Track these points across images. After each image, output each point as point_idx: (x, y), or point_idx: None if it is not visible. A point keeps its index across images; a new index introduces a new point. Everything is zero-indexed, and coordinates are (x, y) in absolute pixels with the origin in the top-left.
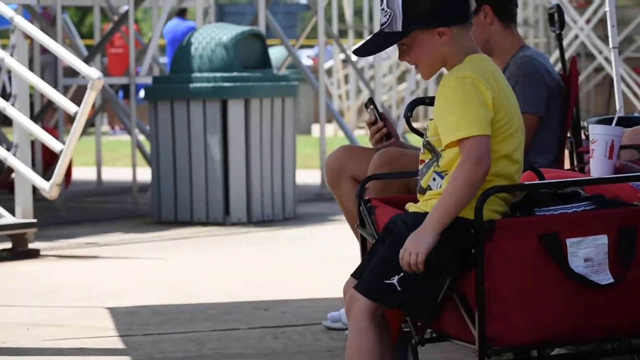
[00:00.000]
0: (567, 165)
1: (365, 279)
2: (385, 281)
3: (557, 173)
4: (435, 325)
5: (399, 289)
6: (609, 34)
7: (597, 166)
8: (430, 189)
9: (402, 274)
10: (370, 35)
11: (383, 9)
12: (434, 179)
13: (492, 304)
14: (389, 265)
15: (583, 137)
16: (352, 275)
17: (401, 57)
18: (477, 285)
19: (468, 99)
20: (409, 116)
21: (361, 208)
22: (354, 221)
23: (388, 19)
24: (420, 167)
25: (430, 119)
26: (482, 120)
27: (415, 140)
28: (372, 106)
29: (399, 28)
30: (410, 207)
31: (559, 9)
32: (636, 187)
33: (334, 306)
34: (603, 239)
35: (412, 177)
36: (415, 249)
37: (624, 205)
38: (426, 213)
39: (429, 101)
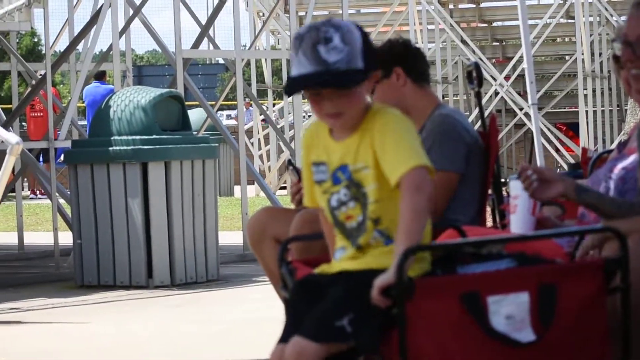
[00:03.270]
0: (489, 222)
1: (311, 323)
2: (336, 323)
3: (480, 230)
4: None
5: (348, 330)
6: (528, 90)
7: (519, 222)
8: (370, 245)
9: (352, 315)
10: (317, 72)
11: (335, 47)
12: (374, 237)
13: None
14: (338, 306)
15: (504, 194)
16: (279, 341)
17: (325, 106)
18: (400, 346)
19: (411, 131)
20: None
21: (282, 270)
22: (278, 282)
23: (342, 56)
24: (350, 223)
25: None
26: (424, 151)
27: None
28: (291, 167)
29: (360, 65)
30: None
31: (477, 66)
32: (559, 243)
33: None
34: (524, 297)
35: None
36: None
37: (545, 262)
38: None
39: None
